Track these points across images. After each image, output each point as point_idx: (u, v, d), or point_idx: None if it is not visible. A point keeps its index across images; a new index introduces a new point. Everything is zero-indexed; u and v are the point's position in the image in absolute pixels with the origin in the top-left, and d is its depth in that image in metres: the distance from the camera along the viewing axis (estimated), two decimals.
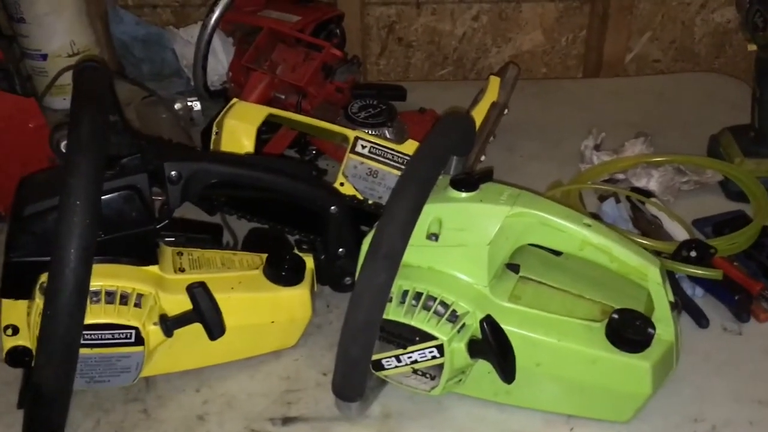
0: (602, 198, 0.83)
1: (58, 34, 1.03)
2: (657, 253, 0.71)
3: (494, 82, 0.87)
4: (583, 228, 0.57)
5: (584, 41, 1.18)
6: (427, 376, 0.58)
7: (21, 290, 0.57)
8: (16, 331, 0.58)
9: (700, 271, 0.68)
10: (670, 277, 0.65)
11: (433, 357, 0.57)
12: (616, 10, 1.12)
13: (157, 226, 0.62)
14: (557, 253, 0.62)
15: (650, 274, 0.56)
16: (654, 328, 0.56)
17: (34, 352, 0.58)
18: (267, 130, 0.85)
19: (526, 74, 1.17)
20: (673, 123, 0.99)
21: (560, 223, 0.57)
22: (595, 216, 0.79)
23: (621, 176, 0.87)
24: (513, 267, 0.61)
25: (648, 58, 1.19)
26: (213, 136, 0.79)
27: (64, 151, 0.73)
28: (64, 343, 0.50)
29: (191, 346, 0.62)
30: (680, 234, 0.75)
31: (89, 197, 0.50)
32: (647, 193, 0.82)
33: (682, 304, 0.68)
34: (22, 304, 0.58)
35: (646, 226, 0.77)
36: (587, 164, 0.88)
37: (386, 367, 0.58)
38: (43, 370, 0.51)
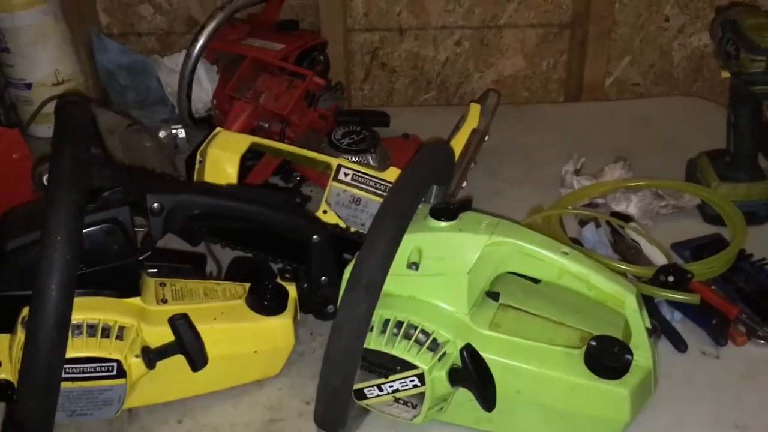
0: (582, 223, 0.84)
1: (43, 63, 1.04)
2: (636, 278, 0.72)
3: (474, 109, 0.88)
4: (561, 256, 0.58)
5: (565, 66, 1.20)
6: (409, 404, 0.58)
7: (3, 324, 0.57)
8: None
9: (677, 296, 0.69)
10: (648, 301, 0.66)
11: (414, 386, 0.57)
12: (595, 35, 1.14)
13: (139, 258, 0.62)
14: (536, 281, 0.62)
15: (627, 301, 0.57)
16: (631, 354, 0.57)
17: (16, 385, 0.58)
18: (252, 156, 0.86)
19: (508, 98, 1.18)
20: (653, 147, 1.00)
21: (538, 252, 0.58)
22: (576, 241, 0.80)
23: (601, 201, 0.88)
24: (493, 295, 0.62)
25: (627, 82, 1.21)
26: (197, 165, 0.80)
27: (46, 184, 0.74)
28: (45, 378, 0.50)
29: (174, 377, 0.62)
30: (659, 258, 0.76)
31: (70, 233, 0.50)
32: (626, 218, 0.83)
33: (660, 329, 0.69)
34: (4, 338, 0.58)
35: (625, 251, 0.78)
36: (568, 189, 0.89)
37: (368, 396, 0.59)
38: (24, 405, 0.51)
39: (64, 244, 0.49)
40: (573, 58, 1.18)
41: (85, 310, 0.56)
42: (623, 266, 0.73)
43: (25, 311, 0.56)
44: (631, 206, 0.84)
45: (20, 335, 0.56)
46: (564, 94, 1.22)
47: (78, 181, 0.52)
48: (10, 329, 0.58)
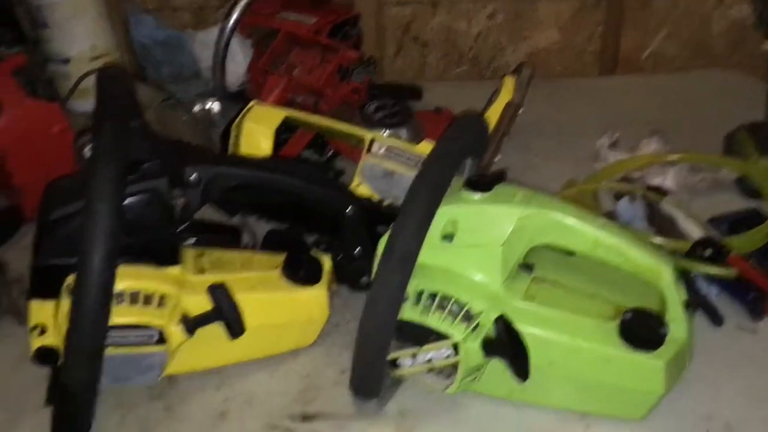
0: (617, 196, 0.83)
1: (80, 38, 1.06)
2: (672, 252, 0.72)
3: (509, 81, 0.88)
4: (596, 228, 0.57)
5: (600, 38, 1.18)
6: (443, 374, 0.59)
7: (49, 291, 0.59)
8: (43, 330, 0.60)
9: (714, 270, 0.68)
10: (684, 275, 0.65)
11: (448, 356, 0.58)
12: (632, 7, 1.12)
13: (178, 229, 0.63)
14: (571, 253, 0.62)
15: (663, 273, 0.57)
16: (667, 327, 0.57)
17: (60, 351, 0.60)
18: (285, 130, 0.86)
19: (542, 72, 1.17)
20: (689, 120, 0.99)
21: (573, 224, 0.58)
22: (611, 215, 0.80)
23: (636, 175, 0.87)
24: (527, 267, 0.62)
25: (665, 55, 1.19)
26: (232, 138, 0.81)
27: (87, 156, 0.76)
28: (90, 343, 0.52)
29: (212, 345, 0.63)
30: (695, 232, 0.75)
31: (112, 202, 0.51)
32: (662, 192, 0.82)
33: (696, 303, 0.68)
34: (50, 304, 0.59)
35: (661, 225, 0.78)
36: (602, 163, 0.89)
37: (402, 366, 0.60)
38: (70, 370, 0.52)
39: (106, 213, 0.51)
40: (609, 31, 1.16)
41: (128, 278, 0.58)
42: (659, 239, 0.72)
43: (70, 279, 0.58)
44: (667, 180, 0.83)
45: (65, 302, 0.57)
46: (599, 68, 1.21)
47: (119, 152, 0.53)
48: (55, 296, 0.59)
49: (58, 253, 0.58)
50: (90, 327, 0.51)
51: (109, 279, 0.51)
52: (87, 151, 0.76)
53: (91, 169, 0.52)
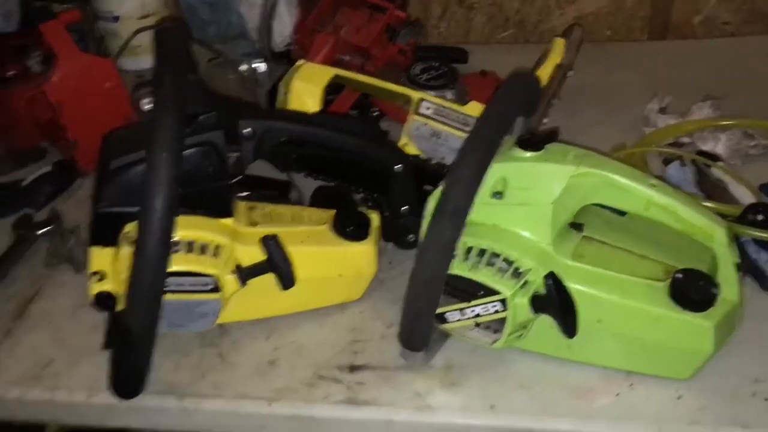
0: (667, 161, 0.82)
1: None
2: (722, 216, 0.71)
3: (559, 43, 0.87)
4: (649, 188, 0.57)
5: (651, 3, 1.15)
6: (490, 329, 0.60)
7: (108, 239, 0.61)
8: (102, 277, 0.62)
9: (766, 235, 0.68)
10: (735, 240, 0.65)
11: (496, 311, 0.58)
12: None
13: (232, 181, 0.64)
14: (621, 213, 0.62)
15: (716, 234, 0.57)
16: (718, 288, 0.56)
17: (118, 296, 0.62)
18: (330, 91, 0.87)
19: (590, 37, 1.15)
20: (742, 87, 0.96)
21: (626, 183, 0.57)
22: (660, 179, 0.79)
23: (687, 140, 0.86)
24: (577, 226, 0.62)
25: (717, 20, 1.16)
26: (280, 96, 0.82)
27: (144, 109, 0.77)
28: (151, 286, 0.53)
29: (263, 296, 0.65)
30: (746, 198, 0.75)
31: (173, 151, 0.53)
32: (713, 157, 0.81)
33: (746, 268, 0.68)
34: (109, 251, 0.61)
35: (711, 190, 0.77)
36: (652, 128, 0.88)
37: (450, 320, 0.60)
38: (132, 312, 0.54)
39: (168, 161, 0.52)
40: None
41: (185, 228, 0.59)
42: (709, 204, 0.71)
43: (128, 227, 0.60)
44: (718, 145, 0.82)
45: (124, 249, 0.59)
46: (648, 33, 1.18)
47: (179, 103, 0.54)
48: (114, 243, 0.61)
49: (118, 201, 0.60)
50: (151, 271, 0.52)
51: (170, 224, 0.52)
52: (144, 104, 0.78)
53: (153, 119, 0.53)
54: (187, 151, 0.60)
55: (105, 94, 0.87)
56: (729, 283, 0.57)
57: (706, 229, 0.57)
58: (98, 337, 0.67)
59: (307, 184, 0.77)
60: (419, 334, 0.59)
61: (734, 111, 0.88)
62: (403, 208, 0.72)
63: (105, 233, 0.61)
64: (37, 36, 0.84)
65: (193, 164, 0.61)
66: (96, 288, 0.62)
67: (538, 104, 0.70)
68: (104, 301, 0.63)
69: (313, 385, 0.62)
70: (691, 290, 0.56)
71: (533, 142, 0.60)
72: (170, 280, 0.58)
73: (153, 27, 1.07)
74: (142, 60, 1.09)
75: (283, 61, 1.04)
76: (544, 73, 0.85)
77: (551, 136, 0.61)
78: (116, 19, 1.08)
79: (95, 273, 0.62)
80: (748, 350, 0.62)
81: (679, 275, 0.57)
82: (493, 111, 0.59)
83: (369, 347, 0.66)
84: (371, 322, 0.68)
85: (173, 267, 0.57)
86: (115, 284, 0.62)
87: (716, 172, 0.78)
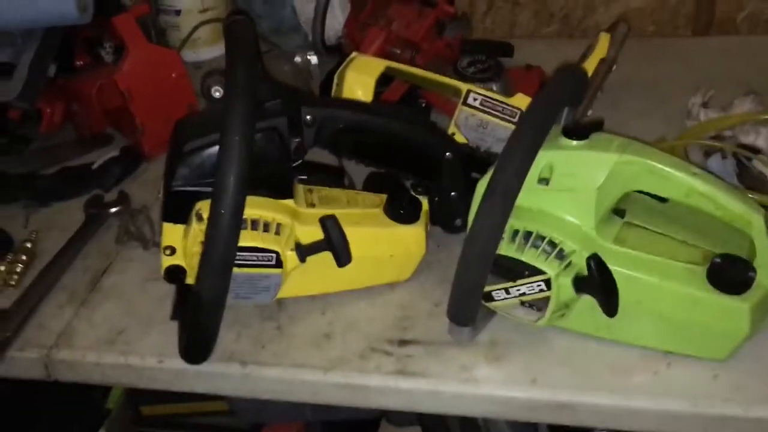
0: (708, 154, 0.84)
1: None
2: (762, 206, 0.73)
3: (604, 38, 0.89)
4: (690, 176, 0.60)
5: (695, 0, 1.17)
6: (534, 308, 0.63)
7: (179, 216, 0.65)
8: (173, 251, 0.67)
9: None
10: None
11: (541, 290, 0.62)
12: None
13: (293, 164, 0.69)
14: (663, 201, 0.65)
15: (754, 221, 0.59)
16: (755, 272, 0.59)
17: (187, 270, 0.67)
18: (379, 84, 0.91)
19: (634, 32, 1.15)
20: None
21: (668, 171, 0.60)
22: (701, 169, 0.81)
23: (728, 133, 0.87)
24: (619, 212, 0.65)
25: (761, 17, 1.17)
26: (334, 87, 0.86)
27: (213, 96, 0.82)
28: (223, 257, 0.58)
29: (319, 273, 0.69)
30: None
31: (245, 134, 0.57)
32: (754, 150, 0.83)
33: None
34: (180, 228, 0.66)
35: (752, 182, 0.79)
36: (694, 121, 0.90)
37: (496, 298, 0.64)
38: (204, 281, 0.59)
39: (241, 143, 0.56)
40: None
41: (250, 207, 0.63)
42: (749, 194, 0.74)
43: (199, 205, 0.65)
44: (760, 139, 0.84)
45: (194, 226, 0.64)
46: (692, 29, 1.20)
47: (251, 89, 0.59)
48: (184, 221, 0.66)
49: (190, 180, 0.65)
50: (225, 241, 0.57)
51: (241, 200, 0.57)
52: (214, 91, 0.83)
53: (227, 104, 0.58)
54: (255, 136, 0.64)
55: (170, 83, 0.92)
56: (766, 268, 0.60)
57: (745, 216, 0.59)
58: (166, 308, 0.72)
59: (357, 172, 0.82)
60: (467, 309, 0.62)
61: None
62: (451, 194, 0.75)
63: (177, 211, 0.66)
64: (109, 27, 0.90)
65: (259, 148, 0.64)
66: (167, 262, 0.67)
67: (584, 95, 0.73)
68: (174, 274, 0.67)
69: (365, 357, 0.67)
70: (729, 273, 0.59)
71: (579, 131, 0.63)
72: (237, 254, 0.62)
73: (212, 21, 1.14)
74: (201, 52, 1.15)
75: (335, 54, 1.09)
76: (589, 66, 0.87)
77: (596, 125, 0.64)
78: (178, 12, 1.14)
79: (167, 247, 0.67)
80: None
81: (718, 259, 0.60)
82: (542, 101, 0.62)
83: (417, 323, 0.70)
84: (419, 301, 0.72)
85: (240, 242, 0.61)
86: (184, 258, 0.67)
87: (757, 164, 0.80)
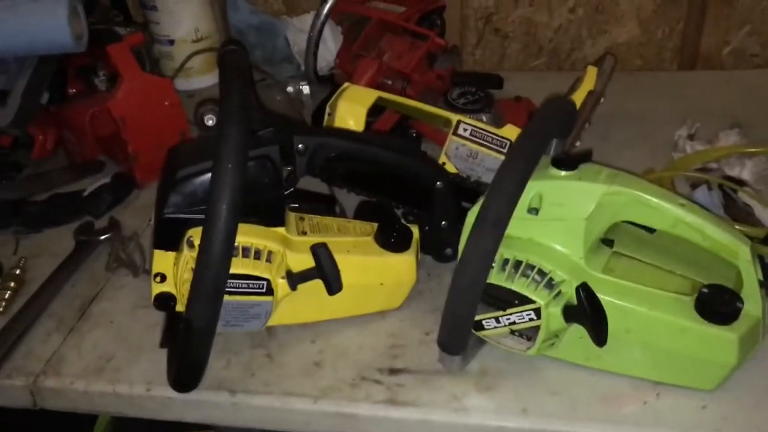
0: (694, 186, 0.86)
1: (185, 21, 1.14)
2: (748, 238, 0.74)
3: (591, 71, 0.91)
4: (678, 207, 0.61)
5: (681, 34, 1.20)
6: (524, 336, 0.64)
7: (171, 243, 0.66)
8: (164, 278, 0.67)
9: None
10: (759, 260, 0.68)
11: (531, 319, 0.62)
12: (714, 2, 1.13)
13: (285, 192, 0.69)
14: (651, 231, 0.66)
15: (741, 251, 0.60)
16: (742, 302, 0.60)
17: (177, 297, 0.67)
18: (370, 114, 0.92)
19: (621, 66, 1.19)
20: None
21: (655, 202, 0.61)
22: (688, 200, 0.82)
23: (714, 165, 0.89)
24: (607, 242, 0.66)
25: (746, 52, 1.19)
26: (326, 117, 0.87)
27: (207, 124, 0.83)
28: (214, 285, 0.58)
29: (310, 301, 0.69)
30: None
31: (239, 162, 0.57)
32: (740, 182, 0.84)
33: None
34: (170, 255, 0.66)
35: (737, 214, 0.80)
36: (680, 153, 0.91)
37: (486, 327, 0.64)
38: (195, 309, 0.59)
39: (234, 171, 0.57)
40: (690, 27, 1.18)
41: (242, 234, 0.63)
42: (736, 226, 0.75)
43: (191, 232, 0.65)
44: (745, 171, 0.85)
45: (186, 253, 0.64)
46: (678, 63, 1.22)
47: (245, 117, 0.59)
48: (175, 248, 0.66)
49: (182, 207, 0.65)
50: (215, 268, 0.57)
51: (233, 227, 0.57)
52: (207, 120, 0.84)
53: (220, 132, 0.58)
54: (248, 163, 0.65)
55: (164, 111, 0.93)
56: (753, 299, 0.60)
57: (732, 247, 0.60)
58: (156, 336, 0.72)
59: (348, 200, 0.82)
60: (457, 338, 0.62)
61: (760, 138, 0.91)
62: (442, 223, 0.76)
63: (168, 237, 0.66)
64: (103, 56, 0.90)
65: (252, 175, 0.65)
66: (157, 289, 0.67)
67: (573, 127, 0.74)
68: (164, 301, 0.67)
69: (355, 386, 0.66)
70: (717, 304, 0.60)
71: (568, 161, 0.64)
72: (228, 281, 0.62)
73: (205, 51, 1.15)
74: (194, 80, 1.16)
75: (326, 84, 1.10)
76: (577, 98, 0.89)
77: (585, 156, 0.65)
78: (171, 42, 1.15)
79: (157, 275, 0.67)
80: None
81: (705, 290, 0.60)
82: (531, 131, 0.63)
83: (408, 352, 0.70)
84: (410, 329, 0.72)
85: (231, 269, 0.61)
86: (175, 286, 0.66)
87: (742, 196, 0.81)
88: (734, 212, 0.81)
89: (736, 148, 0.88)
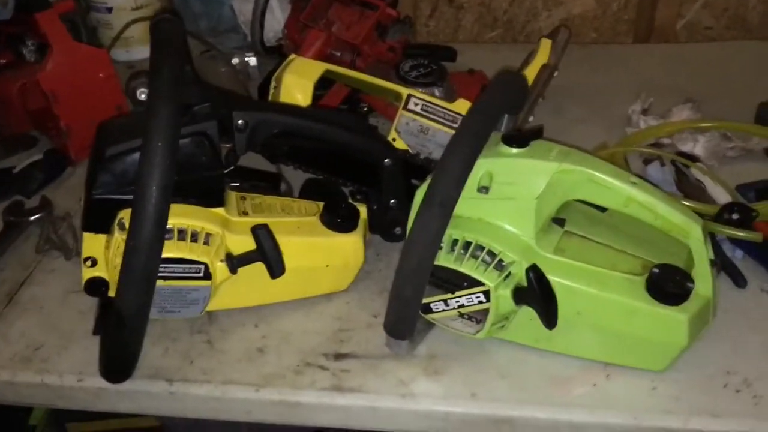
0: (647, 161, 0.85)
1: None
2: (700, 215, 0.73)
3: (545, 44, 0.89)
4: (630, 185, 0.59)
5: (636, 6, 1.18)
6: (473, 320, 0.62)
7: (101, 225, 0.62)
8: (94, 263, 0.63)
9: (740, 233, 0.70)
10: (711, 238, 0.67)
11: (480, 302, 0.60)
12: None
13: (224, 171, 0.66)
14: (602, 210, 0.64)
15: (692, 231, 0.59)
16: (693, 282, 0.59)
17: (109, 282, 0.63)
18: (320, 86, 0.88)
19: (576, 39, 1.16)
20: (722, 90, 0.99)
21: (607, 180, 0.59)
22: (640, 178, 0.81)
23: (667, 141, 0.88)
24: (559, 222, 0.64)
25: (700, 25, 1.19)
26: (271, 90, 0.83)
27: (139, 98, 0.78)
28: (144, 271, 0.54)
29: (252, 285, 0.66)
30: (723, 198, 0.77)
31: (169, 140, 0.54)
32: (692, 158, 0.83)
33: (721, 265, 0.70)
34: (101, 238, 0.62)
35: (689, 190, 0.79)
36: (634, 128, 0.90)
37: (434, 310, 0.62)
38: (124, 296, 0.55)
39: (164, 149, 0.53)
40: None
41: (177, 216, 0.60)
42: (687, 202, 0.74)
43: (122, 214, 0.61)
44: (697, 147, 0.84)
45: (117, 236, 0.60)
46: (633, 36, 1.21)
47: (176, 93, 0.55)
48: (106, 230, 0.62)
49: (112, 188, 0.61)
50: (145, 256, 0.54)
51: (164, 209, 0.54)
52: (139, 93, 0.79)
53: (149, 108, 0.54)
54: (182, 141, 0.60)
55: (98, 83, 0.88)
56: (703, 279, 0.60)
57: (683, 226, 0.59)
58: (88, 323, 0.68)
59: (296, 177, 0.79)
60: (405, 322, 0.60)
61: (713, 114, 0.90)
62: (391, 202, 0.73)
63: (98, 220, 0.62)
64: (32, 24, 0.85)
65: (187, 153, 0.62)
66: (88, 273, 0.63)
67: (524, 102, 0.72)
68: (96, 286, 0.64)
69: (299, 372, 0.64)
70: (667, 284, 0.58)
71: (518, 138, 0.62)
72: (162, 266, 0.59)
73: (146, 19, 1.09)
74: (134, 51, 1.10)
75: (274, 55, 1.06)
76: (531, 72, 0.86)
77: (536, 133, 0.63)
78: (109, 10, 1.09)
79: (87, 259, 0.63)
80: (721, 344, 0.64)
81: (656, 270, 0.59)
82: (480, 107, 0.61)
83: (354, 336, 0.67)
84: (357, 312, 0.70)
85: (164, 254, 0.58)
86: (107, 270, 0.63)
87: (695, 172, 0.81)
88: (686, 188, 0.80)
89: (689, 123, 0.87)
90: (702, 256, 0.59)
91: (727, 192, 0.77)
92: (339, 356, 0.65)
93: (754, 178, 0.82)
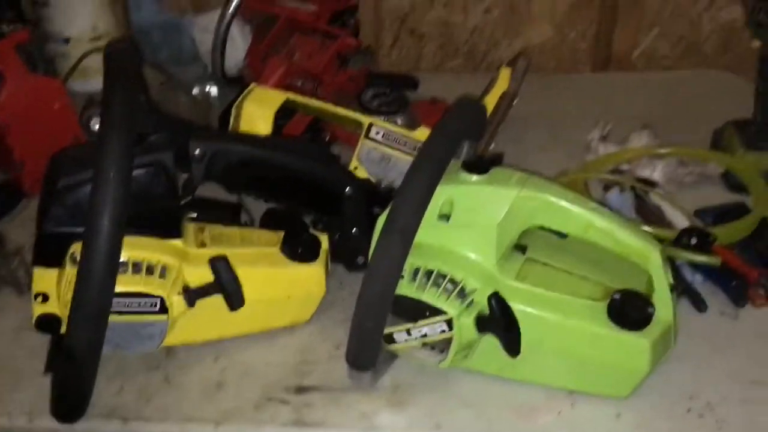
0: (607, 188, 0.85)
1: (81, 17, 1.06)
2: (659, 240, 0.74)
3: (505, 72, 0.90)
4: (589, 211, 0.59)
5: (593, 36, 1.20)
6: (436, 349, 0.61)
7: (53, 259, 0.60)
8: (46, 298, 0.61)
9: (699, 258, 0.70)
10: (670, 263, 0.67)
11: (443, 331, 0.59)
12: (625, 4, 1.15)
13: (181, 202, 0.64)
14: (563, 236, 0.64)
15: (651, 256, 0.59)
16: (653, 307, 0.59)
17: (61, 319, 0.61)
18: (282, 116, 0.88)
19: (535, 68, 1.17)
20: (679, 117, 1.01)
21: (567, 207, 0.59)
22: (601, 204, 0.82)
23: (626, 167, 0.89)
24: (520, 248, 0.64)
25: (656, 54, 1.21)
26: (231, 120, 0.82)
27: (93, 128, 0.77)
28: (96, 307, 0.53)
29: (211, 318, 0.65)
30: (682, 223, 0.78)
31: (121, 170, 0.53)
32: (651, 184, 0.84)
33: (681, 289, 0.70)
34: (53, 272, 0.61)
35: (649, 215, 0.80)
36: (593, 155, 0.91)
37: (397, 340, 0.61)
38: (75, 333, 0.53)
39: (116, 181, 0.52)
40: (602, 28, 1.19)
41: (131, 248, 0.59)
42: (646, 228, 0.74)
43: (74, 247, 0.59)
44: (656, 173, 0.86)
45: (69, 270, 0.59)
46: (592, 65, 1.23)
47: (129, 122, 0.54)
48: (58, 264, 0.60)
49: (64, 220, 0.59)
50: (97, 289, 0.52)
51: (117, 243, 0.52)
52: (93, 124, 0.78)
53: (102, 137, 0.53)
54: (136, 171, 0.59)
55: (53, 115, 0.86)
56: (664, 304, 0.60)
57: (642, 251, 0.59)
58: (40, 361, 0.66)
59: (257, 207, 0.78)
60: (367, 353, 0.59)
61: (671, 140, 0.92)
62: (352, 230, 0.72)
63: (50, 254, 0.60)
64: None
65: (142, 183, 0.60)
66: (39, 310, 0.61)
67: (484, 129, 0.72)
68: (47, 323, 0.62)
69: (260, 407, 0.62)
70: (628, 310, 0.58)
71: (479, 165, 0.62)
72: (115, 300, 0.57)
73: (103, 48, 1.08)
74: (93, 81, 1.08)
75: (236, 85, 1.05)
76: (491, 100, 0.87)
77: (496, 160, 0.63)
78: (67, 41, 1.07)
79: (39, 294, 0.61)
80: (683, 368, 0.64)
81: (617, 295, 0.59)
82: (439, 134, 0.61)
83: (317, 368, 0.66)
84: (320, 343, 0.68)
85: (118, 288, 0.56)
86: (59, 306, 0.61)
87: (653, 197, 0.82)
88: (646, 213, 0.81)
89: (647, 149, 0.89)
90: (661, 280, 0.59)
91: (686, 217, 0.78)
92: (300, 389, 0.64)
93: (711, 203, 0.83)
